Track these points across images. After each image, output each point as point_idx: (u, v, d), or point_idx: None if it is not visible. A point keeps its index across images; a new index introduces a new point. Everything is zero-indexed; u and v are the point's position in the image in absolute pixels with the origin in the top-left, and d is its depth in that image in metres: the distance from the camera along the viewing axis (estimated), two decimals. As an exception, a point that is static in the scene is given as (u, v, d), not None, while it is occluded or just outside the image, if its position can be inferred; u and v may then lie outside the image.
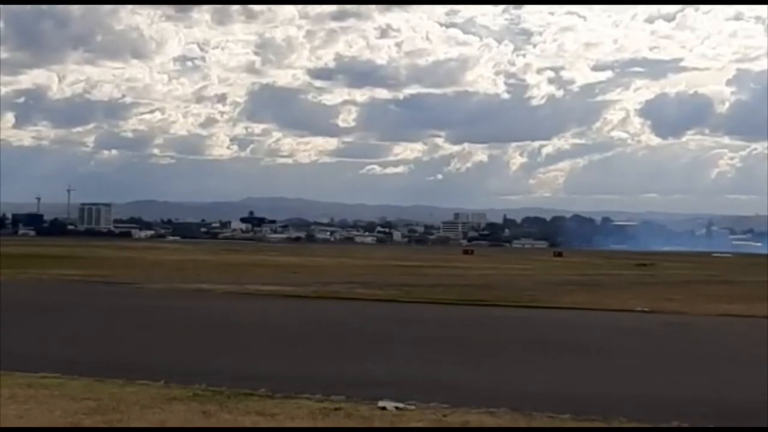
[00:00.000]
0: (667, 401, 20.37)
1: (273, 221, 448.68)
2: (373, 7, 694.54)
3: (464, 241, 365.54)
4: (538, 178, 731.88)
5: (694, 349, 31.87)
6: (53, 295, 51.92)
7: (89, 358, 25.54)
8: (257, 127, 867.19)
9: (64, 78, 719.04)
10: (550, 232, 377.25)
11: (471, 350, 29.72)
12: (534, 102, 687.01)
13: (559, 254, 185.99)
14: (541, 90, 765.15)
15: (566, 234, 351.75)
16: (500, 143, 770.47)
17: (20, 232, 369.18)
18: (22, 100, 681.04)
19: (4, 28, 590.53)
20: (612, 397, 20.84)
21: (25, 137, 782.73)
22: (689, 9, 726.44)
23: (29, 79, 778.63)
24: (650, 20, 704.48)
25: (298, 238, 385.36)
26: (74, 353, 26.84)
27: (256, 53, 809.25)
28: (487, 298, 52.42)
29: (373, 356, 27.90)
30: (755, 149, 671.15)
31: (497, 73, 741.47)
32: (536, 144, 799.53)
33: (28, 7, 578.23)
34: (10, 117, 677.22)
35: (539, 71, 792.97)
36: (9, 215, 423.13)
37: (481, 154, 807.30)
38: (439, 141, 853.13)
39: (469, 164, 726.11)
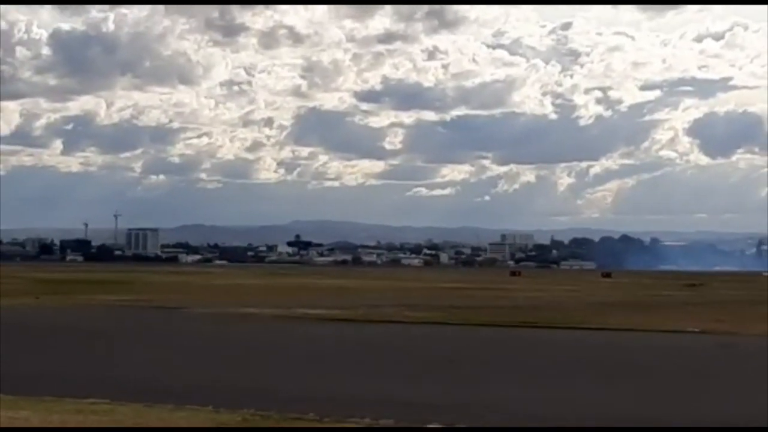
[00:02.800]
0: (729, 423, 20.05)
1: (319, 244, 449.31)
2: (419, 29, 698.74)
3: (511, 263, 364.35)
4: (586, 199, 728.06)
5: (750, 370, 31.41)
6: (100, 320, 52.04)
7: (139, 383, 25.47)
8: (304, 151, 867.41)
9: (112, 104, 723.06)
10: (599, 253, 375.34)
11: (520, 371, 29.44)
12: (582, 122, 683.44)
13: (608, 275, 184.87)
14: (588, 110, 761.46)
15: (615, 255, 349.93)
16: (547, 164, 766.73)
17: (68, 258, 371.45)
18: (70, 126, 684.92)
19: (52, 54, 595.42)
20: (671, 419, 20.54)
21: (73, 163, 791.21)
22: (738, 28, 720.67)
23: (78, 105, 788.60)
24: (699, 39, 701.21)
25: (344, 261, 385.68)
26: (123, 377, 26.79)
27: (302, 77, 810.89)
28: (536, 320, 52.03)
29: (422, 378, 27.67)
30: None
31: (544, 94, 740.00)
32: (584, 164, 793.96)
33: (77, 33, 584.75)
34: (58, 143, 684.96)
35: (587, 91, 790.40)
36: (57, 241, 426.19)
37: (528, 174, 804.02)
38: (486, 162, 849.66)
39: (516, 185, 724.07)
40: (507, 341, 40.80)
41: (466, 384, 26.48)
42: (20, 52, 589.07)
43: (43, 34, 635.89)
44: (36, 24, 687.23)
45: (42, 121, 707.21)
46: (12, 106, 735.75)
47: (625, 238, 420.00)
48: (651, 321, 52.27)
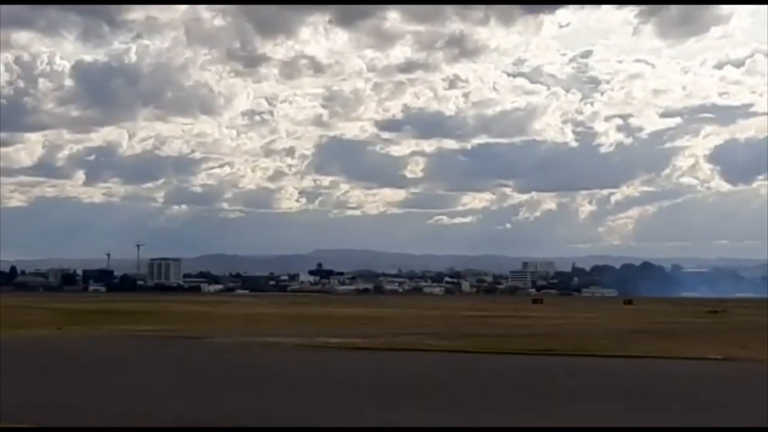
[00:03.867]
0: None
1: (341, 273, 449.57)
2: (440, 57, 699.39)
3: (533, 290, 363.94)
4: (607, 226, 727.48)
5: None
6: (121, 350, 52.15)
7: (161, 414, 25.58)
8: (325, 180, 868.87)
9: (134, 134, 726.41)
10: (620, 280, 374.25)
11: (543, 400, 29.43)
12: (602, 150, 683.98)
13: (629, 302, 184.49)
14: (609, 137, 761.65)
15: (636, 282, 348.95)
16: (569, 191, 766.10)
17: (91, 288, 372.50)
18: (93, 157, 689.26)
19: (75, 86, 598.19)
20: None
21: (95, 194, 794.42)
22: (759, 54, 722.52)
23: (100, 136, 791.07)
24: (719, 66, 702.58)
25: (366, 290, 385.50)
26: (145, 409, 26.90)
27: (323, 106, 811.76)
28: (558, 348, 51.94)
29: (446, 409, 27.70)
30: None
31: (565, 122, 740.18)
32: (605, 192, 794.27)
33: (100, 64, 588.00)
34: (80, 174, 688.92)
35: (607, 119, 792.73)
36: (80, 272, 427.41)
37: (549, 202, 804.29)
38: (507, 190, 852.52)
39: (537, 213, 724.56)
40: (529, 368, 40.74)
41: (489, 413, 26.51)
42: (43, 83, 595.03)
43: (65, 66, 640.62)
44: (59, 56, 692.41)
45: (65, 152, 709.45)
46: (35, 138, 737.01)
47: (646, 265, 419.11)
48: (673, 348, 52.12)
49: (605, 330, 75.13)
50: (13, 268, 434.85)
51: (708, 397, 31.08)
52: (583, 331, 72.20)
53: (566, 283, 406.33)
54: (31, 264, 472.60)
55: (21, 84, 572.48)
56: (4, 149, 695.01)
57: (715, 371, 40.33)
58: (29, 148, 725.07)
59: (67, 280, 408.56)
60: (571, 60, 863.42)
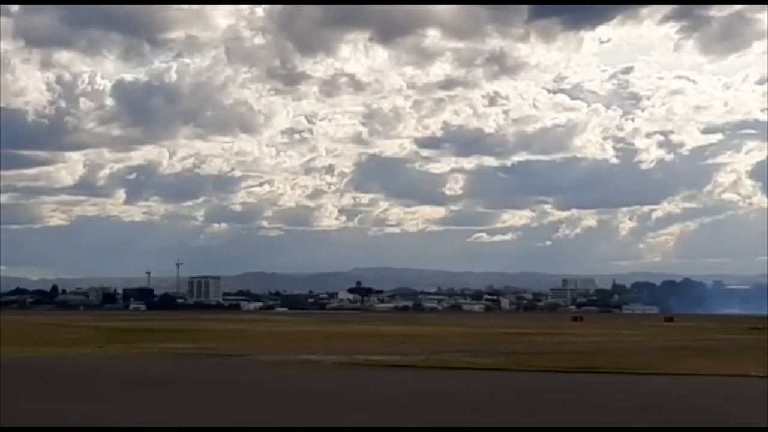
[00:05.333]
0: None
1: (380, 291, 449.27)
2: (480, 74, 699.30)
3: (573, 308, 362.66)
4: (648, 243, 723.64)
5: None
6: (161, 368, 52.31)
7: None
8: (364, 198, 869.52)
9: (174, 153, 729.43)
10: (661, 297, 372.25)
11: (584, 418, 29.27)
12: (643, 166, 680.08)
13: (670, 319, 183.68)
14: (650, 154, 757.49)
15: (677, 299, 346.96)
16: (609, 208, 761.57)
17: (131, 306, 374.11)
18: (133, 176, 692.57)
19: (116, 105, 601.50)
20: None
21: (135, 212, 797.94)
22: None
23: (141, 155, 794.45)
24: (761, 81, 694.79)
25: (405, 308, 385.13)
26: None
27: (363, 124, 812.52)
28: (599, 365, 51.70)
29: (481, 422, 27.59)
30: None
31: (605, 138, 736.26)
32: (646, 208, 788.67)
33: (140, 83, 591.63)
34: (121, 193, 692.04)
35: (648, 135, 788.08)
36: (120, 290, 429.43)
37: (589, 219, 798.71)
38: (547, 207, 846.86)
39: (577, 230, 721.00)
40: (570, 386, 40.53)
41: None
42: (84, 103, 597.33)
43: (106, 85, 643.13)
44: (99, 75, 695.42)
45: (105, 171, 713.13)
46: (76, 157, 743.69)
47: (688, 282, 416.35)
48: (715, 365, 51.77)
49: (646, 347, 74.73)
50: (54, 287, 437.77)
51: (748, 415, 30.82)
52: (624, 349, 71.85)
53: (606, 300, 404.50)
54: (72, 282, 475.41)
55: (62, 103, 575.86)
56: (45, 168, 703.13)
57: (757, 389, 39.97)
58: (70, 167, 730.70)
59: (108, 298, 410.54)
60: (612, 76, 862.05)
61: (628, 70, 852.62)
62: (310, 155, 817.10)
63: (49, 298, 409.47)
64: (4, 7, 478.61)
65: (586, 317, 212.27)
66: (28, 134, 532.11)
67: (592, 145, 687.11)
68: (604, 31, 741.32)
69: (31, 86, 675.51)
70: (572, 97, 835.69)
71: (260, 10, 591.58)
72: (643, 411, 31.19)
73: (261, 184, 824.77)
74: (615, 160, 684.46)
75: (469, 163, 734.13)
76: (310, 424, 28.03)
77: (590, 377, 45.60)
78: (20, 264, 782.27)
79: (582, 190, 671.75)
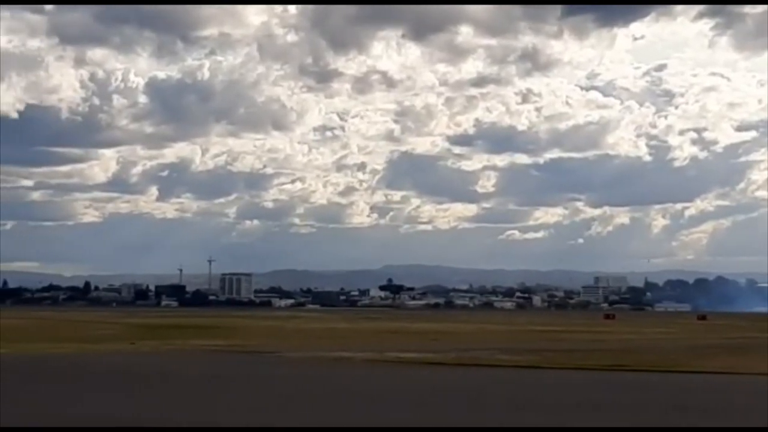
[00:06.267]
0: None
1: (411, 288, 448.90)
2: (513, 72, 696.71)
3: (605, 305, 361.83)
4: (681, 240, 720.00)
5: None
6: (192, 365, 52.47)
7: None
8: (396, 195, 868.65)
9: (206, 150, 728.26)
10: (693, 295, 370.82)
11: (615, 417, 29.18)
12: (676, 164, 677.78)
13: (703, 317, 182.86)
14: (683, 151, 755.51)
15: (710, 297, 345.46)
16: (642, 206, 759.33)
17: (163, 303, 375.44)
18: (165, 173, 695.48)
19: (149, 102, 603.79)
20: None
21: (168, 209, 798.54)
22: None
23: (173, 152, 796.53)
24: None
25: (436, 305, 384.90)
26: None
27: (395, 121, 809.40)
28: (631, 363, 51.54)
29: (511, 422, 27.54)
30: None
31: (638, 136, 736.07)
32: (679, 206, 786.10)
33: (173, 81, 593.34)
34: (153, 190, 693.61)
35: (681, 132, 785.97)
36: (152, 287, 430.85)
37: (622, 217, 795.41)
38: (580, 205, 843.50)
39: (609, 227, 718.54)
40: (601, 384, 40.43)
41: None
42: (117, 100, 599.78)
43: (139, 83, 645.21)
44: (133, 72, 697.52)
45: (138, 168, 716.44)
46: (109, 154, 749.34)
47: (721, 280, 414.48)
48: (748, 364, 51.49)
49: (678, 345, 74.45)
50: (87, 284, 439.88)
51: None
52: (656, 347, 71.60)
53: (639, 298, 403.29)
54: (104, 279, 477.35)
55: (96, 101, 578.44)
56: (79, 166, 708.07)
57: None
58: (103, 164, 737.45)
59: (140, 295, 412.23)
60: (645, 73, 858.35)
61: (661, 67, 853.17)
62: (342, 152, 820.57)
63: (81, 294, 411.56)
64: (38, 5, 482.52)
65: (618, 315, 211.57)
66: (62, 131, 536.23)
67: (625, 142, 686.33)
68: (637, 27, 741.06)
69: (65, 83, 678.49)
70: (605, 95, 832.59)
71: (293, 7, 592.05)
72: (672, 409, 31.05)
73: (293, 182, 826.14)
74: (648, 158, 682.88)
75: (501, 160, 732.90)
76: (339, 420, 28.05)
77: (622, 375, 45.47)
78: (53, 260, 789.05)
79: (614, 188, 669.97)
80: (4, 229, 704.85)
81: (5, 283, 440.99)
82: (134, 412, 29.32)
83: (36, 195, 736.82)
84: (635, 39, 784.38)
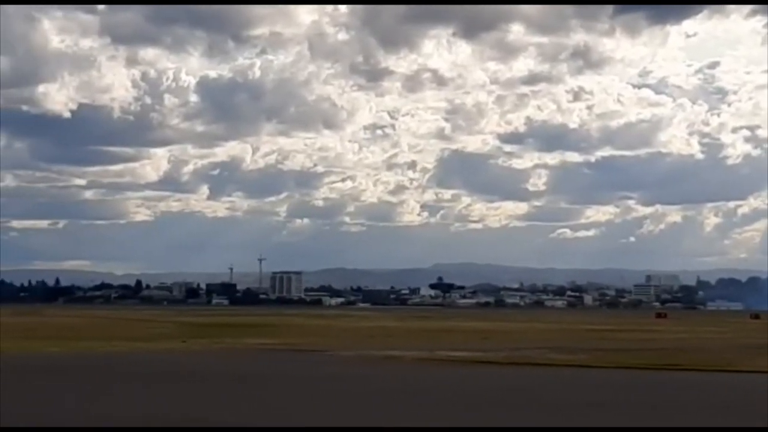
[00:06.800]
0: None
1: (462, 287, 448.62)
2: (564, 69, 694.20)
3: (657, 304, 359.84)
4: (734, 239, 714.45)
5: None
6: (249, 364, 52.59)
7: None
8: (447, 193, 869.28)
9: (257, 149, 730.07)
10: (746, 294, 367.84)
11: (669, 416, 28.95)
12: (729, 161, 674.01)
13: (756, 316, 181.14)
14: (736, 149, 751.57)
15: (762, 295, 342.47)
16: (694, 204, 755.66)
17: (214, 301, 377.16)
18: (216, 172, 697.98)
19: (200, 101, 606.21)
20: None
21: (219, 208, 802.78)
22: None
23: (224, 151, 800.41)
24: None
25: (487, 304, 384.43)
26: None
27: (446, 119, 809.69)
28: (683, 363, 51.15)
29: (562, 421, 27.39)
30: None
31: (691, 133, 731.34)
32: (731, 204, 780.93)
33: (224, 80, 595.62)
34: (205, 189, 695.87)
35: (734, 130, 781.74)
36: (203, 285, 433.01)
37: (674, 215, 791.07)
38: (631, 203, 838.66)
39: (662, 226, 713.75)
40: (654, 383, 40.14)
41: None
42: (169, 99, 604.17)
43: (191, 82, 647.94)
44: (184, 71, 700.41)
45: (189, 167, 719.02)
46: (161, 153, 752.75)
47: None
48: (802, 363, 50.95)
49: (731, 345, 73.83)
50: (138, 282, 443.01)
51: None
52: (708, 347, 71.04)
53: (691, 297, 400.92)
54: (155, 278, 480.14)
55: (147, 100, 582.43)
56: (130, 165, 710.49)
57: None
58: (155, 163, 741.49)
59: (191, 293, 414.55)
60: (698, 71, 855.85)
61: (714, 65, 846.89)
62: (393, 151, 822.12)
63: (133, 293, 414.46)
64: (90, 5, 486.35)
65: (670, 314, 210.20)
66: (114, 131, 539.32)
67: (677, 140, 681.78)
68: (690, 25, 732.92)
69: (117, 83, 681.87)
70: (657, 92, 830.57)
71: (344, 5, 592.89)
72: (721, 408, 30.77)
73: (343, 180, 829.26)
74: (700, 156, 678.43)
75: (552, 158, 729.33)
76: (390, 420, 28.02)
77: (675, 374, 45.15)
78: (105, 259, 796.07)
79: (667, 186, 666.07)
80: (57, 228, 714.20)
81: (58, 281, 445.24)
82: (183, 412, 29.41)
83: (88, 194, 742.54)
84: (688, 36, 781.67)
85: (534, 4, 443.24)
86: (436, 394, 35.65)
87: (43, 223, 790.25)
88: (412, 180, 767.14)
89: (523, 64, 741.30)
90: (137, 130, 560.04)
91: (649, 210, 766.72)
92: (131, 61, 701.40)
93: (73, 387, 37.10)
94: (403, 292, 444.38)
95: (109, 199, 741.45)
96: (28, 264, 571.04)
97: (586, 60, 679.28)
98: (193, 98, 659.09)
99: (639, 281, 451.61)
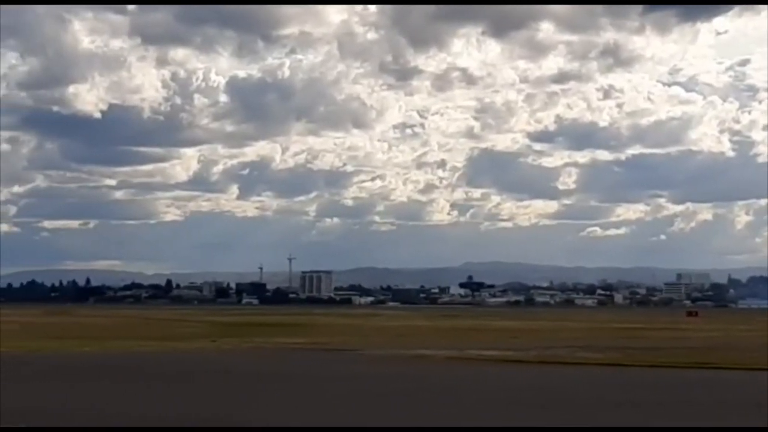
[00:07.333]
0: None
1: (492, 286, 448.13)
2: (594, 68, 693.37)
3: (687, 303, 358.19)
4: (765, 237, 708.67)
5: None
6: (278, 363, 52.66)
7: None
8: (476, 192, 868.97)
9: (287, 149, 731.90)
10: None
11: (702, 416, 28.84)
12: (760, 159, 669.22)
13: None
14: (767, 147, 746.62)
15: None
16: (725, 202, 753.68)
17: (244, 301, 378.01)
18: (246, 171, 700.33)
19: (229, 101, 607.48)
20: None
21: (248, 208, 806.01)
22: None
23: (254, 150, 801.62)
24: None
25: (517, 302, 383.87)
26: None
27: (475, 118, 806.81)
28: (715, 361, 50.92)
29: (594, 421, 27.31)
30: None
31: (722, 131, 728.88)
32: (763, 202, 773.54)
33: (254, 80, 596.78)
34: (234, 189, 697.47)
35: (765, 128, 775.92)
36: (233, 285, 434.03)
37: (705, 213, 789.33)
38: (662, 201, 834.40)
39: (692, 224, 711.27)
40: (687, 382, 40.02)
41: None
42: (198, 99, 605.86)
43: (220, 82, 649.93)
44: (214, 71, 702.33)
45: (219, 167, 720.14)
46: (190, 153, 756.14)
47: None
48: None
49: (763, 343, 73.42)
50: (168, 282, 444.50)
51: None
52: (739, 345, 70.72)
53: (722, 295, 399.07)
54: (185, 277, 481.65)
55: (177, 100, 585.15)
56: (160, 165, 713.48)
57: None
58: (185, 163, 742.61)
59: (221, 293, 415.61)
60: (729, 68, 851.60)
61: (745, 62, 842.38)
62: (422, 150, 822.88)
63: (163, 292, 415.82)
64: (120, 5, 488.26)
65: (701, 312, 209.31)
66: (144, 131, 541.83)
67: (708, 138, 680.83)
68: (720, 22, 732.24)
69: (147, 83, 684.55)
70: (687, 90, 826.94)
71: (373, 5, 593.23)
72: (753, 407, 30.61)
73: (373, 179, 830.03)
74: (731, 153, 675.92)
75: (582, 157, 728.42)
76: (423, 419, 28.01)
77: (706, 373, 44.99)
78: (136, 259, 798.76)
79: (697, 184, 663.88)
80: (88, 228, 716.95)
81: (88, 281, 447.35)
82: (213, 412, 29.48)
83: (119, 194, 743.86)
84: (718, 34, 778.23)
85: (564, 4, 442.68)
86: (465, 393, 35.59)
87: (74, 224, 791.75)
88: (441, 179, 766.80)
89: (553, 63, 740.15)
90: (167, 131, 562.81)
91: (679, 208, 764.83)
92: (161, 62, 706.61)
93: (105, 386, 37.26)
94: (433, 291, 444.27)
95: (139, 199, 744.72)
96: (59, 264, 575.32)
97: (616, 58, 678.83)
98: (223, 98, 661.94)
99: (670, 280, 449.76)
